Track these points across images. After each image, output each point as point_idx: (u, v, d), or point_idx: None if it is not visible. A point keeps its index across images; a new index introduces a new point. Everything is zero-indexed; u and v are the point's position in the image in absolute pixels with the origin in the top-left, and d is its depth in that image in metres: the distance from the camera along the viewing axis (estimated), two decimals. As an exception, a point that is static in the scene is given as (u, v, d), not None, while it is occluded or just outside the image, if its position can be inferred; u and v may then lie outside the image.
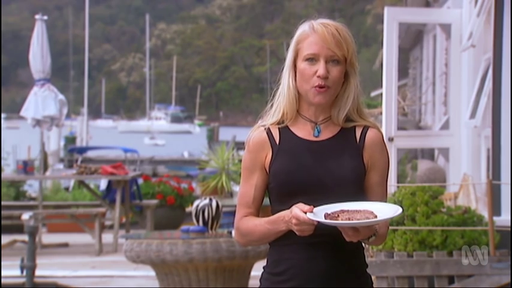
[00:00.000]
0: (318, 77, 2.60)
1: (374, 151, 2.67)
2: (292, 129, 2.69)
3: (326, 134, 2.68)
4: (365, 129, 2.69)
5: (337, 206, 2.52)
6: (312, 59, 2.61)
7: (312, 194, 2.58)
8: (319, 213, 2.49)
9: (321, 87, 2.60)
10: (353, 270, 2.66)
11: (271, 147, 2.67)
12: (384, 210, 2.51)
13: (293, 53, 2.67)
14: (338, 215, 2.48)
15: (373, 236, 2.54)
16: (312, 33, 2.62)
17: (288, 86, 2.67)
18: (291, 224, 2.53)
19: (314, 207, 2.51)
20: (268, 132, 2.69)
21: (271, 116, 2.71)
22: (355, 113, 2.68)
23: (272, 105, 2.73)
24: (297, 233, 2.53)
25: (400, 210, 2.50)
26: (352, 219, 2.45)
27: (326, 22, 2.64)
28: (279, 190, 2.64)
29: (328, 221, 2.46)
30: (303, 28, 2.66)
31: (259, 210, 2.72)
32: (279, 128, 2.69)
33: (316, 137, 2.67)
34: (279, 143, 2.67)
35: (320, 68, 2.60)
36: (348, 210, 2.50)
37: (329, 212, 2.49)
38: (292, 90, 2.66)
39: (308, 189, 2.60)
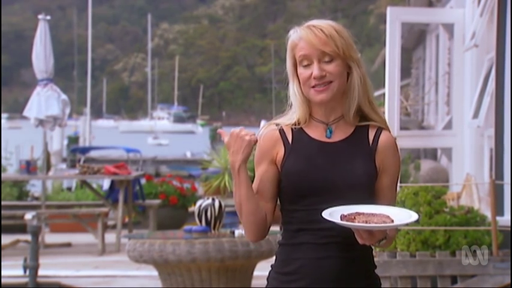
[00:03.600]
0: (314, 78, 2.62)
1: (386, 155, 2.68)
2: (305, 130, 2.70)
3: (339, 135, 2.68)
4: (378, 131, 2.69)
5: (352, 208, 2.51)
6: (306, 63, 2.64)
7: (323, 195, 2.58)
8: (335, 214, 2.48)
9: (319, 86, 2.61)
10: (362, 271, 2.66)
11: (284, 145, 2.67)
12: (400, 215, 2.50)
13: (291, 60, 2.69)
14: (354, 217, 2.47)
15: (383, 240, 2.55)
16: (299, 39, 2.65)
17: (294, 93, 2.69)
18: (229, 148, 2.59)
19: (326, 208, 2.51)
20: (281, 131, 2.69)
21: (286, 118, 2.72)
22: (368, 105, 2.68)
23: (286, 109, 2.74)
24: (228, 151, 2.59)
25: (416, 216, 2.50)
26: (370, 223, 2.44)
27: (311, 24, 2.65)
28: (290, 190, 2.64)
29: (344, 222, 2.45)
30: (292, 36, 2.68)
31: (267, 201, 2.67)
32: (292, 129, 2.70)
33: (328, 138, 2.67)
34: (292, 143, 2.67)
35: (314, 69, 2.61)
36: (363, 213, 2.49)
37: (345, 214, 2.48)
38: (299, 97, 2.68)
39: (319, 191, 2.59)
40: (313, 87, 2.62)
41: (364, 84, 2.67)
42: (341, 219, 2.46)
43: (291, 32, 2.68)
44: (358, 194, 2.59)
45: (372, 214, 2.49)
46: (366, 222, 2.45)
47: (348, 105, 2.66)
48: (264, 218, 2.66)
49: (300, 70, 2.65)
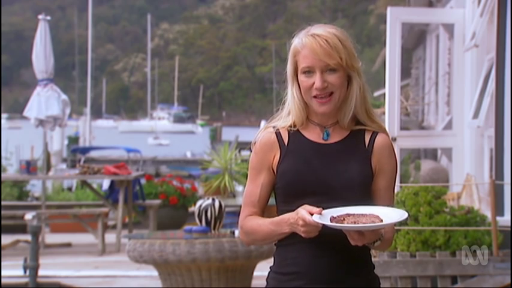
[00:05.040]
0: (316, 89, 2.63)
1: (382, 156, 2.68)
2: (302, 132, 2.71)
3: (335, 137, 2.69)
4: (374, 134, 2.70)
5: (343, 209, 2.52)
6: (308, 72, 2.64)
7: (319, 196, 2.59)
8: (325, 216, 2.49)
9: (321, 97, 2.63)
10: (360, 270, 2.66)
11: (280, 148, 2.69)
12: (390, 215, 2.51)
13: (292, 65, 2.69)
14: (344, 219, 2.48)
15: (378, 241, 2.55)
16: (302, 47, 2.65)
17: (292, 96, 2.70)
18: (296, 226, 2.54)
19: (324, 209, 2.52)
20: (278, 134, 2.70)
21: (281, 121, 2.72)
22: (365, 114, 2.69)
23: (281, 110, 2.74)
24: (302, 234, 2.54)
25: (405, 215, 2.51)
26: (358, 223, 2.45)
27: (316, 33, 2.64)
28: (286, 191, 2.65)
29: (333, 224, 2.46)
30: (295, 41, 2.68)
31: (264, 210, 2.73)
32: (288, 131, 2.71)
33: (325, 140, 2.69)
34: (288, 145, 2.68)
35: (316, 80, 2.62)
36: (353, 214, 2.50)
37: (335, 215, 2.49)
38: (297, 101, 2.69)
39: (315, 191, 2.60)
40: (315, 97, 2.63)
41: (362, 93, 2.68)
42: (331, 221, 2.47)
43: (295, 38, 2.68)
44: (353, 194, 2.60)
45: (362, 215, 2.50)
46: (355, 223, 2.45)
47: (343, 113, 2.68)
48: None
49: (302, 78, 2.65)
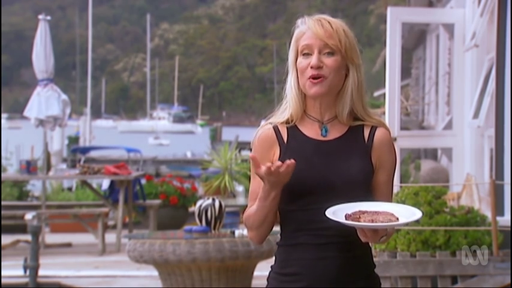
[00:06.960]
0: (311, 67, 2.61)
1: (382, 151, 2.67)
2: (300, 128, 2.68)
3: (334, 133, 2.67)
4: (373, 128, 2.68)
5: (354, 206, 2.50)
6: (307, 53, 2.63)
7: (320, 195, 2.57)
8: (339, 213, 2.47)
9: (314, 78, 2.61)
10: (361, 271, 2.65)
11: (279, 145, 2.66)
12: (402, 212, 2.49)
13: (294, 52, 2.68)
14: (359, 216, 2.46)
15: (384, 236, 2.54)
16: (306, 29, 2.65)
17: (291, 86, 2.68)
18: (266, 176, 2.50)
19: (323, 208, 2.50)
20: (276, 130, 2.68)
21: (279, 116, 2.70)
22: (362, 110, 2.67)
23: (280, 106, 2.73)
24: (268, 183, 2.51)
25: (420, 214, 2.49)
26: (376, 221, 2.43)
27: (319, 16, 2.67)
28: (287, 190, 2.61)
29: (350, 222, 2.44)
30: (299, 27, 2.68)
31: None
32: (287, 127, 2.68)
33: (324, 136, 2.66)
34: (287, 142, 2.66)
35: (313, 58, 2.61)
36: (367, 212, 2.48)
37: (349, 213, 2.47)
38: (295, 90, 2.66)
39: (316, 190, 2.58)
40: (309, 78, 2.62)
41: (359, 89, 2.66)
42: (346, 219, 2.45)
43: (299, 22, 2.68)
44: (355, 192, 2.58)
45: (376, 212, 2.48)
46: (372, 221, 2.44)
47: (341, 106, 2.66)
48: (273, 223, 2.67)
49: (300, 60, 2.64)
